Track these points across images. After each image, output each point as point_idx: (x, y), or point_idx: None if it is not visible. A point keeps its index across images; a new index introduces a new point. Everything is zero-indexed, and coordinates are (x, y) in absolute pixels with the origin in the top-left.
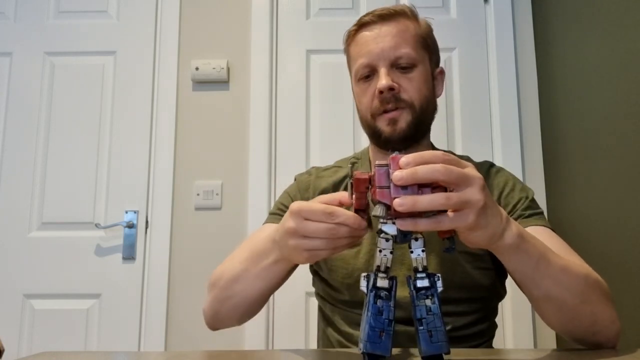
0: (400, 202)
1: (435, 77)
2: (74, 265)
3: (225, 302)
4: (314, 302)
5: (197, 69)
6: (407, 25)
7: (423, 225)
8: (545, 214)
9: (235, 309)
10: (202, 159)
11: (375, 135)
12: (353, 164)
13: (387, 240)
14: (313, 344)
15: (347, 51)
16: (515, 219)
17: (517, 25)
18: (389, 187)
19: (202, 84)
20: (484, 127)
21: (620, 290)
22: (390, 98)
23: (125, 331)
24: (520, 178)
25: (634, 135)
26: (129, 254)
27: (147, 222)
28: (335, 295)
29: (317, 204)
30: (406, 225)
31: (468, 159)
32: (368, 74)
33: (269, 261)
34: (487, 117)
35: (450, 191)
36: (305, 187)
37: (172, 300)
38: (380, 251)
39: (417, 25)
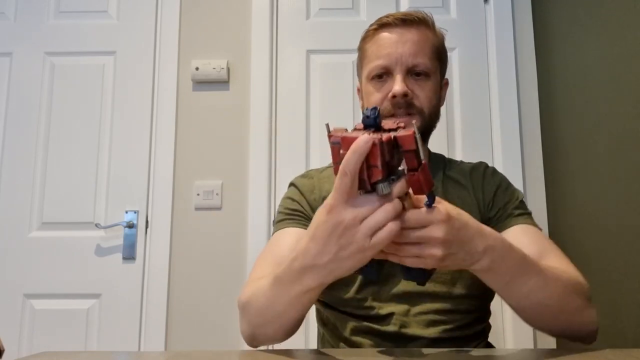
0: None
1: (442, 87)
2: (74, 265)
3: (260, 327)
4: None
5: (197, 69)
6: (427, 35)
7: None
8: (545, 214)
9: (274, 333)
10: (202, 159)
11: None
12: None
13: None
14: (313, 344)
15: (361, 48)
16: (506, 217)
17: (517, 25)
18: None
19: (202, 84)
20: (483, 127)
21: (619, 290)
22: (402, 103)
23: (125, 331)
24: (520, 178)
25: (634, 136)
26: (129, 254)
27: (147, 222)
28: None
29: None
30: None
31: (461, 162)
32: (381, 74)
33: (301, 289)
34: (487, 117)
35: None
36: (309, 190)
37: (172, 300)
38: None
39: (435, 35)
